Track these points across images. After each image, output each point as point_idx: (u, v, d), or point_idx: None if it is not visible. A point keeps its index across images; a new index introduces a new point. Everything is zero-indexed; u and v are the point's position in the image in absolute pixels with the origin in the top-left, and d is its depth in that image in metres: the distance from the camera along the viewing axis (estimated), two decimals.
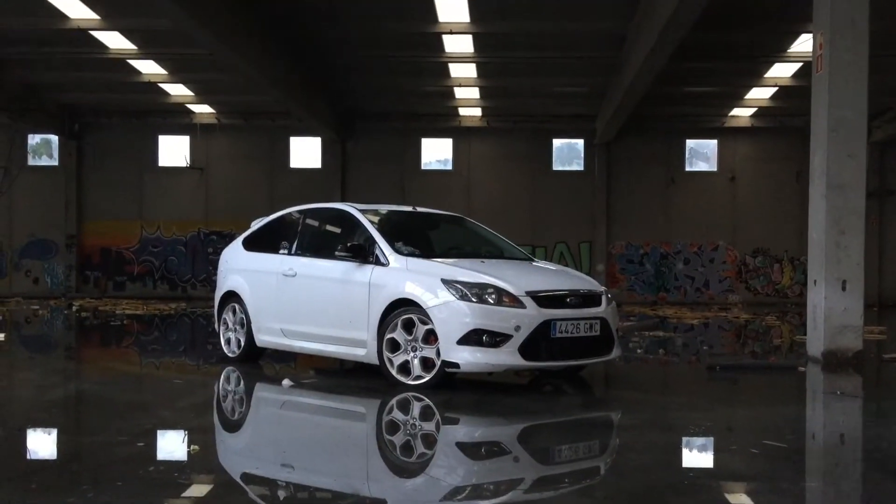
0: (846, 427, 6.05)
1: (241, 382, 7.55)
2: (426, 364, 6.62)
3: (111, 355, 10.50)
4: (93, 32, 16.06)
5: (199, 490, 3.98)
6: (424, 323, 6.58)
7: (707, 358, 9.73)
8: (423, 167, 24.50)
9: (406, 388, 6.59)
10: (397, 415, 6.00)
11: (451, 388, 6.63)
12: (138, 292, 23.90)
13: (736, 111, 22.84)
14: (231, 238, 12.51)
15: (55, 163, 24.56)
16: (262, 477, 4.36)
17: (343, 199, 22.03)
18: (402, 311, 6.71)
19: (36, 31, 16.16)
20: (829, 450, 5.18)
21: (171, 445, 5.07)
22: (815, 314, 9.00)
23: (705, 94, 21.10)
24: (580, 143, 24.36)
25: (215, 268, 9.79)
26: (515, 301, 6.45)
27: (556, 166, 24.46)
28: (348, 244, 7.27)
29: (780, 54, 17.22)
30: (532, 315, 6.42)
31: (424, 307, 6.55)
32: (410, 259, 7.00)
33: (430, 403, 6.17)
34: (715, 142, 24.21)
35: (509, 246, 8.22)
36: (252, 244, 8.65)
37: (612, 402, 7.00)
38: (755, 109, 22.57)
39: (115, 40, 16.71)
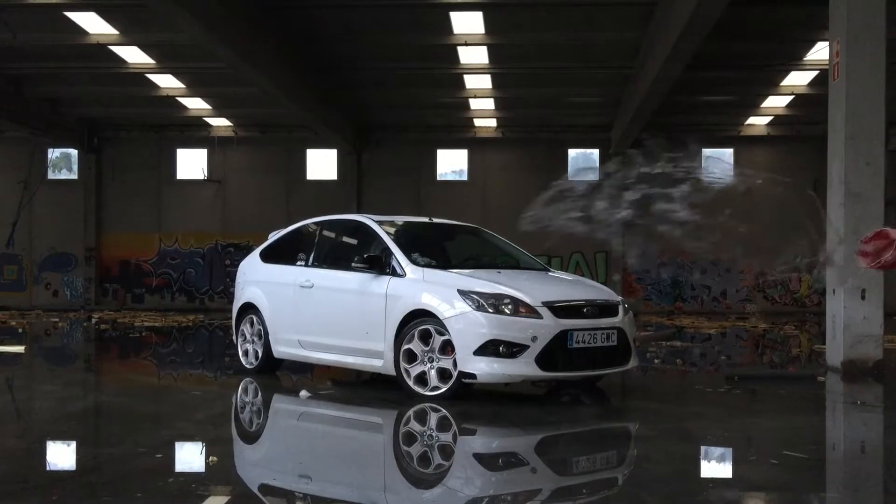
0: (867, 437, 6.00)
1: (259, 394, 7.58)
2: (443, 375, 6.62)
3: (130, 367, 10.57)
4: (112, 47, 16.26)
5: (217, 501, 4.01)
6: (441, 334, 6.58)
7: (725, 368, 9.66)
8: (438, 178, 24.54)
9: (423, 399, 6.59)
10: (414, 426, 6.01)
11: (467, 399, 6.63)
12: (156, 304, 24.06)
13: (752, 120, 22.74)
14: (248, 250, 12.56)
15: (75, 176, 24.82)
16: (279, 488, 4.38)
17: (359, 211, 22.11)
18: (418, 322, 6.72)
19: (56, 47, 16.38)
20: (850, 460, 5.14)
21: (190, 457, 5.10)
22: (835, 323, 8.93)
23: (721, 103, 21.03)
24: (595, 152, 24.32)
25: (233, 280, 9.84)
26: (532, 311, 6.44)
27: (572, 176, 24.41)
28: (365, 255, 7.29)
29: (796, 62, 17.15)
30: (549, 325, 6.41)
31: (441, 318, 6.56)
32: (427, 270, 7.01)
33: (447, 414, 6.17)
34: (731, 150, 24.10)
35: (525, 256, 8.22)
36: (269, 256, 8.70)
37: (630, 412, 6.97)
38: (771, 118, 22.47)
39: (133, 55, 16.91)
